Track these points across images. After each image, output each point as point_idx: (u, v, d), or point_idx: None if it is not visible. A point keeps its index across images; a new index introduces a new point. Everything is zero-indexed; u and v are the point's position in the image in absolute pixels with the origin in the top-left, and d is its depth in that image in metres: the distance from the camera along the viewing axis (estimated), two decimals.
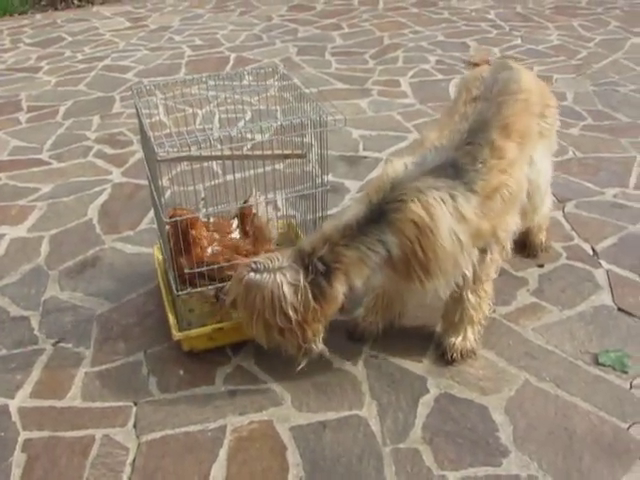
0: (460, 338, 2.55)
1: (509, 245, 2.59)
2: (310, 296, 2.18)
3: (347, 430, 2.27)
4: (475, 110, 2.46)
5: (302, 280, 2.17)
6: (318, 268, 2.18)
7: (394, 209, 2.19)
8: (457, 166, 2.29)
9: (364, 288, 2.41)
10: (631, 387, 2.40)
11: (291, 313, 2.17)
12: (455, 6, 7.28)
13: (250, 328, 2.27)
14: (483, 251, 2.40)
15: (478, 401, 2.37)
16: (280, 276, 2.17)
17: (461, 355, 2.54)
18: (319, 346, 2.32)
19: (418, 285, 2.29)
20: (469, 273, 2.39)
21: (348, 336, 2.68)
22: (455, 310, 2.54)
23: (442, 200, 2.20)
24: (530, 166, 2.62)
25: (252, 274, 2.19)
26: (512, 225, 2.52)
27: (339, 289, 2.22)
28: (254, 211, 2.71)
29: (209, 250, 2.59)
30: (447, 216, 2.21)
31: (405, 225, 2.17)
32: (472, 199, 2.27)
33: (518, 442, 2.21)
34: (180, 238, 2.44)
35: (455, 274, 2.34)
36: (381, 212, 2.20)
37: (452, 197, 2.23)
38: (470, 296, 2.49)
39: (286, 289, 2.16)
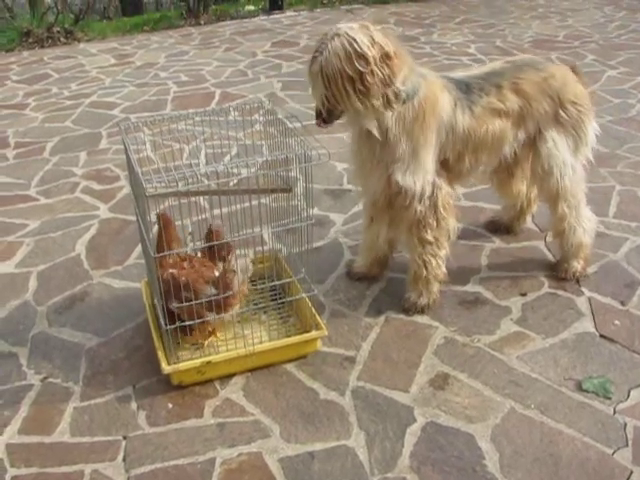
0: (415, 295, 2.97)
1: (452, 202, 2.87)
2: (379, 34, 2.47)
3: (335, 460, 2.29)
4: (499, 66, 2.92)
5: (369, 25, 2.48)
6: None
7: (429, 77, 2.68)
8: (468, 85, 2.77)
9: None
10: (615, 412, 2.44)
11: (366, 50, 2.40)
12: (436, 40, 7.43)
13: (339, 100, 2.52)
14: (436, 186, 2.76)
15: (464, 429, 2.39)
16: (343, 30, 2.44)
17: (415, 309, 2.98)
18: (400, 86, 2.54)
19: (401, 148, 2.63)
20: (418, 191, 2.69)
21: (348, 277, 3.25)
22: (409, 270, 2.98)
23: (450, 99, 2.70)
24: (540, 141, 2.93)
25: (317, 57, 2.47)
26: (482, 163, 2.91)
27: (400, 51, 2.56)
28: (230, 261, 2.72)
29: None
30: (448, 112, 2.69)
31: (430, 90, 2.64)
32: (467, 117, 2.73)
33: (505, 469, 2.23)
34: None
35: (418, 169, 2.67)
36: (421, 73, 2.67)
37: (455, 103, 2.71)
38: (418, 251, 2.85)
39: (352, 32, 2.42)
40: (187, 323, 2.57)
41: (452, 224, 2.87)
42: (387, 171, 2.69)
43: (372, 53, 2.41)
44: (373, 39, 2.43)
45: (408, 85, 2.58)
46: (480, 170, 3.01)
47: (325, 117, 2.62)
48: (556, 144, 2.91)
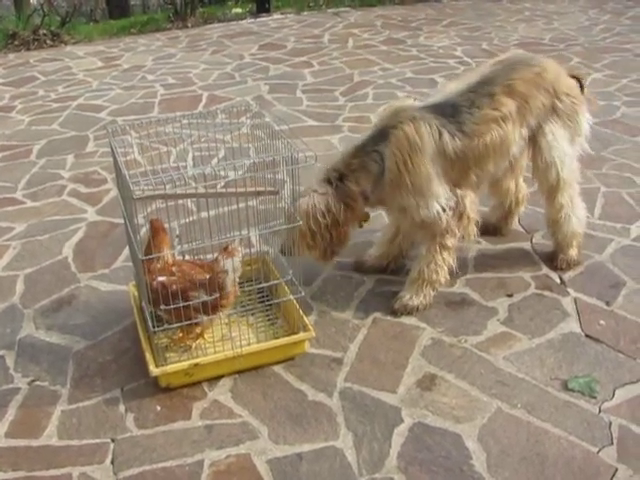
0: (409, 295, 2.98)
1: (474, 214, 2.99)
2: (336, 200, 2.76)
3: (323, 461, 2.30)
4: (489, 70, 2.95)
5: (329, 189, 2.77)
6: (333, 176, 2.79)
7: (392, 127, 2.75)
8: (455, 106, 2.81)
9: (374, 199, 2.89)
10: (600, 411, 2.46)
11: (320, 218, 2.73)
12: (423, 43, 7.46)
13: (294, 242, 2.78)
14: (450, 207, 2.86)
15: (452, 429, 2.41)
16: (312, 193, 2.77)
17: (405, 310, 2.98)
18: (339, 253, 2.94)
19: (404, 198, 2.78)
20: (440, 210, 2.81)
21: (356, 268, 3.28)
22: (414, 269, 3.00)
23: (431, 131, 2.74)
24: (540, 135, 2.98)
25: (295, 203, 2.76)
26: (490, 171, 2.94)
27: (353, 188, 2.79)
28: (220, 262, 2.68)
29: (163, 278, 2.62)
30: (432, 144, 2.74)
31: (398, 138, 2.73)
32: (458, 139, 2.78)
33: (492, 469, 2.25)
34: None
35: (430, 201, 2.79)
36: (383, 132, 2.77)
37: (440, 132, 2.75)
38: (432, 256, 2.92)
39: (316, 199, 2.75)
40: (174, 326, 2.58)
41: (472, 228, 3.00)
42: (408, 215, 2.87)
43: (324, 221, 2.75)
44: (329, 208, 2.75)
45: (372, 174, 2.80)
46: (492, 177, 3.05)
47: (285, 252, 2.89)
48: (555, 136, 2.98)
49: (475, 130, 2.80)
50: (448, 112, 2.80)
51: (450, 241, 2.92)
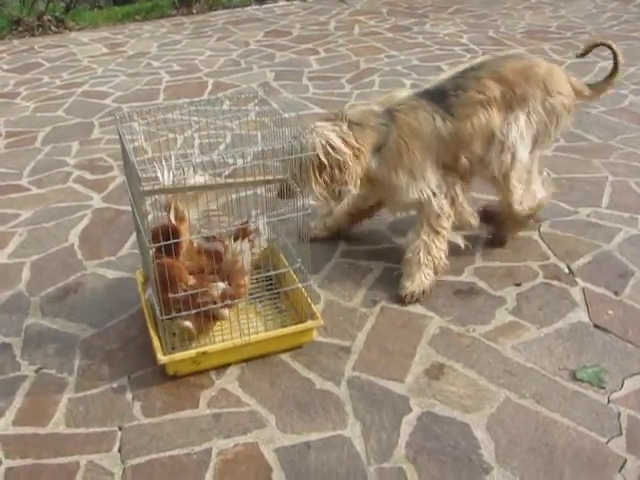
0: (411, 281, 2.97)
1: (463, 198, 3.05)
2: (350, 135, 2.79)
3: (331, 450, 2.29)
4: (481, 59, 3.03)
5: (343, 126, 2.80)
6: (346, 119, 2.84)
7: (398, 112, 2.87)
8: (443, 91, 2.90)
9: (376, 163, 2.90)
10: (609, 402, 2.45)
11: (332, 152, 2.73)
12: (429, 31, 7.41)
13: (307, 181, 2.76)
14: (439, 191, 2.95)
15: (460, 419, 2.40)
16: (323, 129, 2.78)
17: (412, 297, 2.97)
18: (352, 190, 2.87)
19: (394, 177, 2.88)
20: (430, 194, 2.91)
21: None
22: (407, 254, 3.02)
23: (428, 117, 2.85)
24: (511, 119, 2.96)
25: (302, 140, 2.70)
26: (478, 154, 2.97)
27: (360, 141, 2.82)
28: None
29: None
30: (429, 130, 2.85)
31: (403, 123, 2.85)
32: (448, 122, 2.86)
33: (500, 459, 2.24)
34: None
35: (420, 184, 2.90)
36: (390, 112, 2.87)
37: (433, 117, 2.86)
38: (424, 237, 2.97)
39: (331, 134, 2.76)
40: (184, 313, 2.57)
41: (468, 218, 3.08)
42: (395, 196, 2.97)
43: (335, 156, 2.74)
44: (340, 144, 2.75)
45: (378, 140, 2.85)
46: (481, 161, 3.02)
47: (284, 195, 2.84)
48: (520, 126, 2.96)
49: (463, 112, 2.88)
50: (437, 98, 2.89)
51: (444, 223, 2.96)
